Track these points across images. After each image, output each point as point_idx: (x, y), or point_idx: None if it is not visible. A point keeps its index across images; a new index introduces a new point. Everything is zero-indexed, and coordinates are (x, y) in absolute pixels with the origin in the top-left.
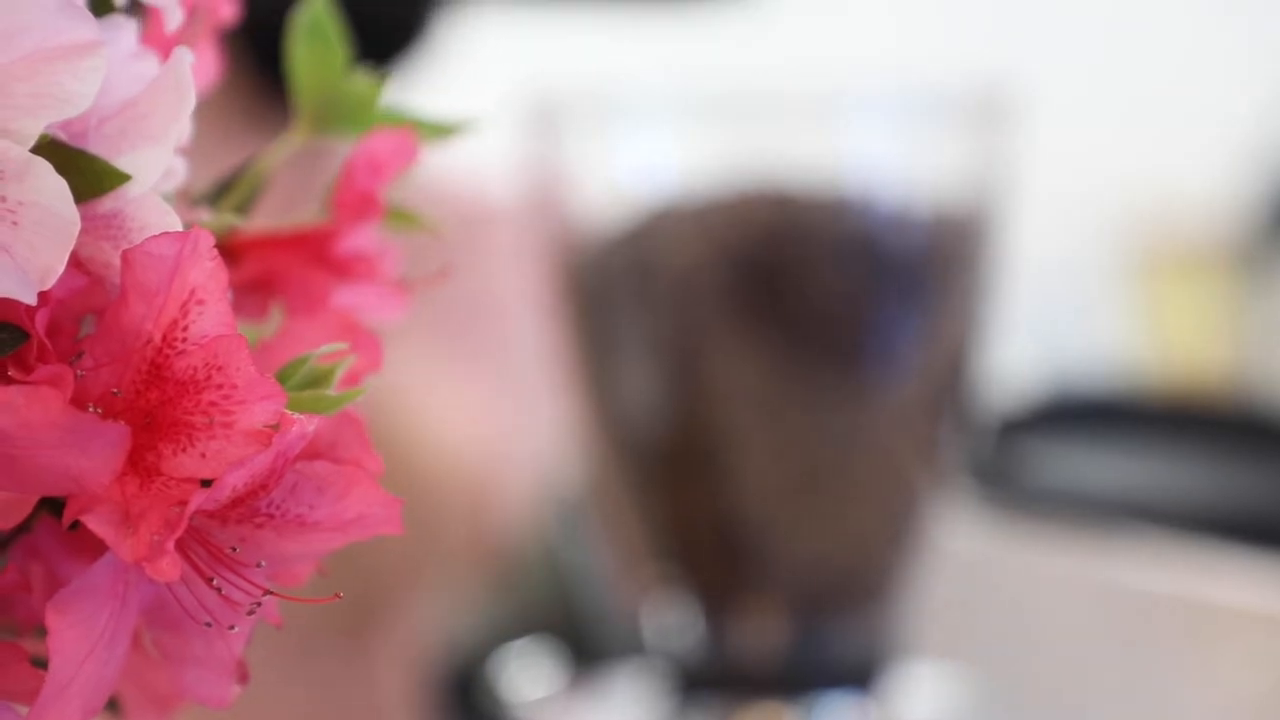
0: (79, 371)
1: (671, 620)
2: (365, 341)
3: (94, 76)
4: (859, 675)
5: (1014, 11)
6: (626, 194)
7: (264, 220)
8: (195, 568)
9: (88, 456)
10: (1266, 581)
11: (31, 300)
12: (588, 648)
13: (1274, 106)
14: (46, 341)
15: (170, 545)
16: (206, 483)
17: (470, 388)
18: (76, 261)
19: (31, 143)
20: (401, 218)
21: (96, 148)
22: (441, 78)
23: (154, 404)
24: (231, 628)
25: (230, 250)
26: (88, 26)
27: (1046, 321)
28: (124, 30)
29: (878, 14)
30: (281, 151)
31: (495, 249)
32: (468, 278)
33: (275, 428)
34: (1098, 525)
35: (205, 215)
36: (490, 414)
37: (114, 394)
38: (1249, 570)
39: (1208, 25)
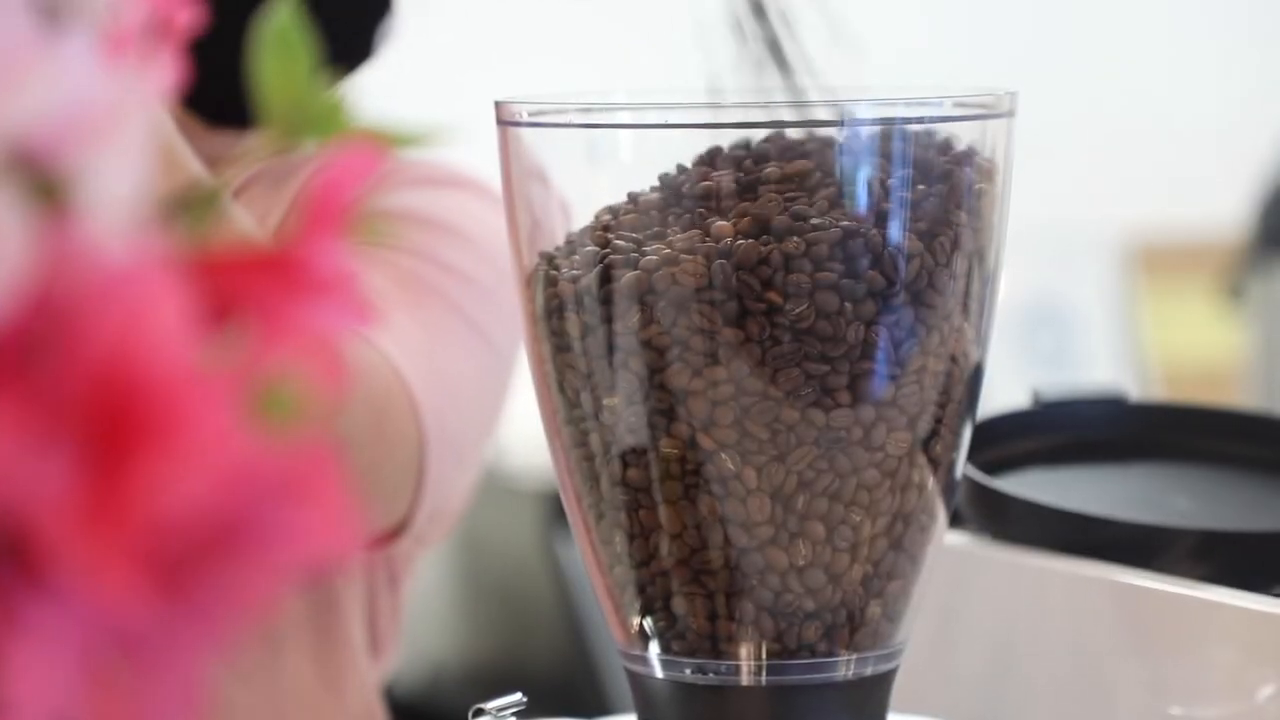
0: (32, 392)
1: (660, 664)
2: (331, 363)
3: (50, 87)
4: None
5: (1014, 22)
6: (612, 196)
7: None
8: (153, 594)
9: (41, 480)
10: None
11: None
12: (579, 706)
13: (1270, 125)
14: None
15: (128, 571)
16: (165, 507)
17: (416, 327)
18: (30, 277)
19: None
20: (369, 230)
21: (53, 160)
22: (422, 82)
23: (110, 427)
24: (192, 654)
25: (191, 266)
26: (44, 37)
27: (1041, 334)
28: (83, 40)
29: (879, 30)
30: (247, 162)
31: (475, 226)
32: (449, 242)
33: (237, 451)
34: (1091, 537)
35: (166, 229)
36: (421, 358)
37: (68, 416)
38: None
39: (1205, 43)
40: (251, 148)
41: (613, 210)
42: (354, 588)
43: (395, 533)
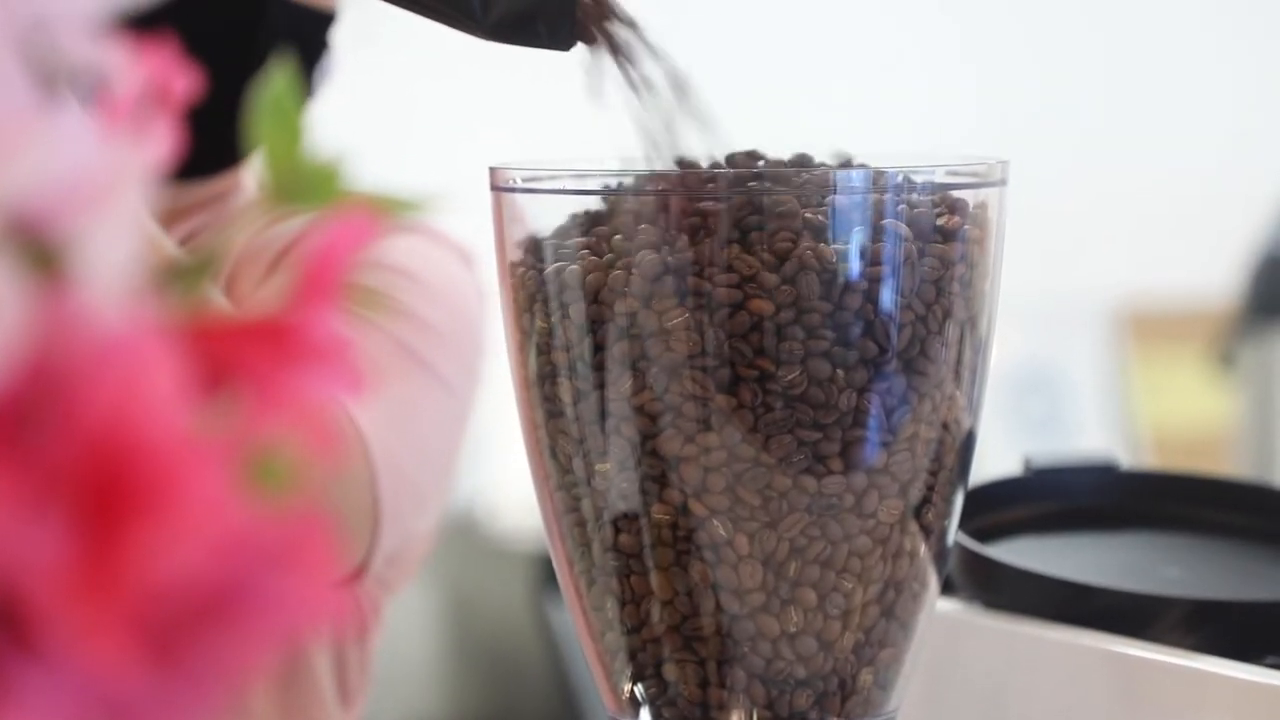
0: (26, 459)
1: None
2: (323, 432)
3: (47, 155)
4: None
5: (1006, 93)
6: (604, 262)
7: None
8: (145, 661)
9: (34, 547)
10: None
11: None
12: None
13: (1260, 192)
14: None
15: (120, 638)
16: (158, 574)
17: (387, 386)
18: (25, 344)
19: None
20: (363, 299)
21: (49, 228)
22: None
23: (104, 493)
24: None
25: (185, 334)
26: (41, 106)
27: (1032, 401)
28: (79, 108)
29: (872, 100)
30: (243, 227)
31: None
32: (399, 284)
33: (230, 519)
34: (1082, 606)
35: (161, 296)
36: (395, 422)
37: (62, 482)
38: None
39: (1196, 113)
40: (250, 213)
41: (605, 274)
42: (322, 641)
43: (354, 575)
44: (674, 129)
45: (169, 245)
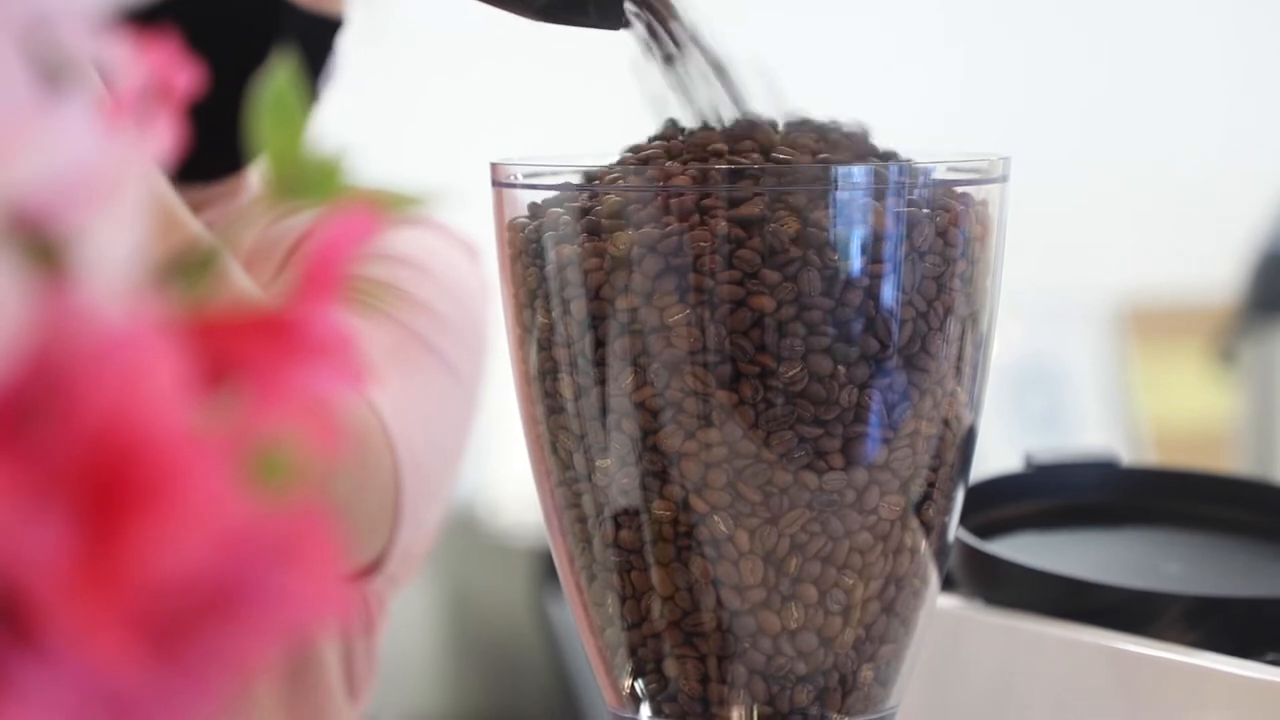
0: (28, 454)
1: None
2: (325, 427)
3: (49, 151)
4: None
5: (1008, 87)
6: (603, 251)
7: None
8: (147, 656)
9: (35, 542)
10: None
11: None
12: None
13: (1261, 188)
14: None
15: (121, 634)
16: (160, 570)
17: (384, 359)
18: (27, 340)
19: None
20: (372, 290)
21: (51, 224)
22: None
23: (105, 489)
24: (184, 716)
25: (187, 329)
26: (43, 101)
27: (1033, 397)
28: (81, 104)
29: (873, 95)
30: (248, 222)
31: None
32: (409, 276)
33: (232, 514)
34: (1083, 602)
35: (162, 291)
36: (394, 390)
37: (63, 478)
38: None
39: (1198, 108)
40: (253, 207)
41: (605, 269)
42: (329, 634)
43: (370, 569)
44: (716, 107)
45: (194, 224)
